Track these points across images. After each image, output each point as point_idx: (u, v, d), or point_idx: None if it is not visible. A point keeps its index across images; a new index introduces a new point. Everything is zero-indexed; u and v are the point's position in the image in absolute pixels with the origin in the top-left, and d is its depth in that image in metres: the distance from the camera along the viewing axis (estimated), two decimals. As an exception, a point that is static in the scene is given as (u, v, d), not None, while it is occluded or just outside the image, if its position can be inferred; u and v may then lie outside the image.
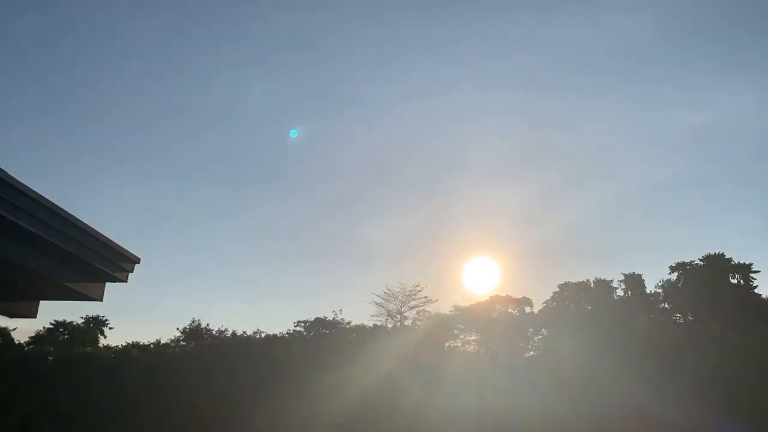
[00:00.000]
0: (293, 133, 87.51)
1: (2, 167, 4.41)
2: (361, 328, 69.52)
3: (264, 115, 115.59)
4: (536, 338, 75.59)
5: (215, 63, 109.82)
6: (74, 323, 63.24)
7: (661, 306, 74.99)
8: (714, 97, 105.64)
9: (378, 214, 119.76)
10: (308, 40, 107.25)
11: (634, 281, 77.97)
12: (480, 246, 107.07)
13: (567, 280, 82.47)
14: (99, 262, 5.58)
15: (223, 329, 68.74)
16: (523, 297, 78.80)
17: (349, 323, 74.32)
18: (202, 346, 53.08)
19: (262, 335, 59.97)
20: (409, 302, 76.41)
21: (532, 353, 70.76)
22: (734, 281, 71.50)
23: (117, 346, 57.05)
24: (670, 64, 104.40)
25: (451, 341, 76.50)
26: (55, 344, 59.87)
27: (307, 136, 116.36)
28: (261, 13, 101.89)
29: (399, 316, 76.55)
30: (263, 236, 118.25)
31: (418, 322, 77.77)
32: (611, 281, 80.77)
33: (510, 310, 78.95)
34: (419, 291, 75.67)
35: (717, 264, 71.41)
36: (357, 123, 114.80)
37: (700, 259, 73.07)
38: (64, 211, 4.94)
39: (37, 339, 60.79)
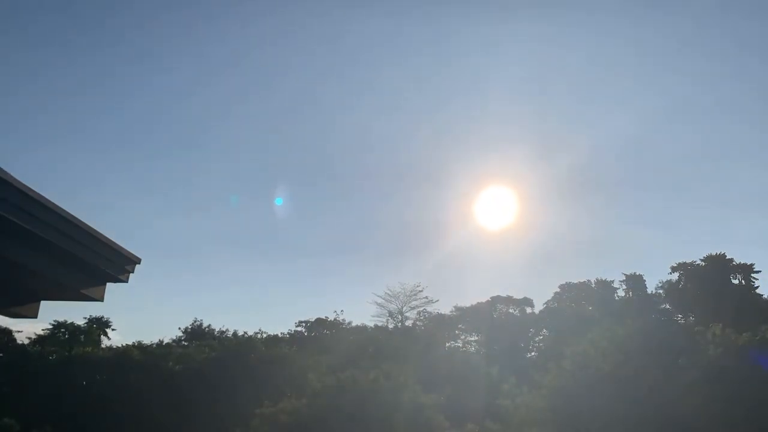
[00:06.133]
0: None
1: (3, 167, 4.41)
2: (362, 329, 69.53)
3: (262, 113, 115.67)
4: (537, 338, 75.58)
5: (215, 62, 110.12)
6: (75, 324, 63.24)
7: (662, 306, 74.89)
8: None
9: (377, 214, 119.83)
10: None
11: (635, 281, 77.86)
12: (480, 246, 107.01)
13: (568, 281, 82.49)
14: (100, 263, 5.57)
15: (224, 329, 68.89)
16: (524, 297, 78.80)
17: (350, 323, 74.41)
18: (203, 347, 53.00)
19: (264, 335, 59.96)
20: (410, 302, 76.45)
21: (533, 353, 70.74)
22: (735, 282, 71.36)
23: (118, 347, 57.01)
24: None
25: (452, 341, 76.52)
26: (56, 345, 59.84)
27: (307, 135, 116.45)
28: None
29: (400, 317, 76.58)
30: (263, 237, 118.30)
31: (419, 323, 77.78)
32: (612, 281, 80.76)
33: (511, 311, 78.93)
34: (420, 291, 75.71)
35: (718, 264, 71.22)
36: (358, 120, 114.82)
37: (701, 260, 72.89)
38: (65, 211, 4.93)
39: (39, 339, 60.76)
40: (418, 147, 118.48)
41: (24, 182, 4.50)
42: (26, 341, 60.27)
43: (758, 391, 20.97)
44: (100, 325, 66.10)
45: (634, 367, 22.97)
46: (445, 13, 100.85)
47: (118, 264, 5.76)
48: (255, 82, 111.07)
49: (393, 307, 76.10)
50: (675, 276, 74.53)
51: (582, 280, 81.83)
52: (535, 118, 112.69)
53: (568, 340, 28.53)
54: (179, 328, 71.08)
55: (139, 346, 55.65)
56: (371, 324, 72.98)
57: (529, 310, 78.10)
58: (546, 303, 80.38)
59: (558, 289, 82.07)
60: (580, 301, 79.43)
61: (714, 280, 68.42)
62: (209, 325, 71.17)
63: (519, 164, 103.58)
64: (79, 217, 5.11)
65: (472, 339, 78.40)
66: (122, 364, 49.88)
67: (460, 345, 77.20)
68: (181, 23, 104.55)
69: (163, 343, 60.53)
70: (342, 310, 77.51)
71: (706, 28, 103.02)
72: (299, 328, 76.35)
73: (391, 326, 74.34)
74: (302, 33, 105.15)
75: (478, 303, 78.16)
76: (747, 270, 70.96)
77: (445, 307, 79.72)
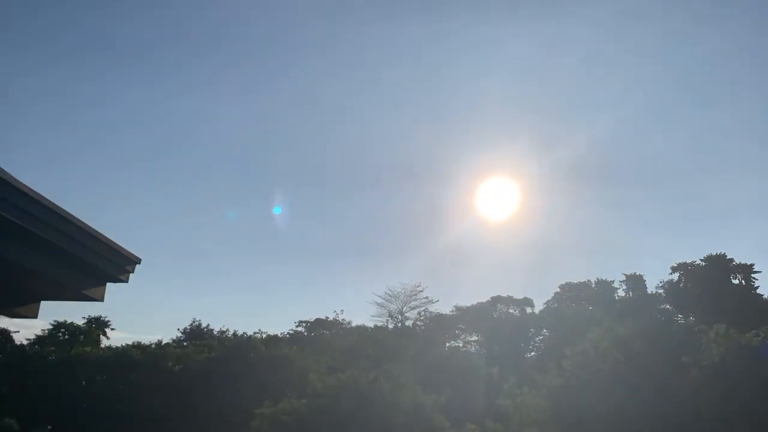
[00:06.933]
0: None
1: (2, 167, 4.39)
2: (362, 329, 69.49)
3: (257, 113, 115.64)
4: (537, 338, 75.53)
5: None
6: (75, 324, 63.15)
7: (662, 306, 74.87)
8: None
9: (375, 214, 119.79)
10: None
11: (635, 281, 77.89)
12: (481, 246, 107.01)
13: (568, 281, 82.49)
14: (100, 263, 5.55)
15: (224, 329, 68.81)
16: (524, 297, 78.77)
17: (350, 323, 74.38)
18: (203, 347, 52.95)
19: (264, 335, 59.88)
20: (410, 302, 76.41)
21: (533, 353, 70.70)
22: (736, 282, 71.33)
23: (118, 347, 56.94)
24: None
25: (452, 341, 76.49)
26: (56, 345, 59.79)
27: (306, 135, 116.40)
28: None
29: (400, 317, 76.54)
30: (263, 236, 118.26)
31: (419, 323, 77.77)
32: (612, 281, 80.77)
33: (511, 311, 78.88)
34: (420, 291, 75.65)
35: (718, 264, 71.19)
36: (356, 121, 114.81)
37: (701, 260, 72.84)
38: (65, 211, 4.91)
39: (38, 340, 60.69)
40: (417, 148, 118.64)
41: (23, 182, 4.48)
42: (24, 342, 60.29)
43: (757, 389, 21.00)
44: (99, 325, 66.00)
45: (634, 366, 22.98)
46: (444, 14, 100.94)
47: (118, 264, 5.74)
48: (255, 82, 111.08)
49: (393, 307, 76.12)
50: (675, 276, 74.53)
51: (582, 280, 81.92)
52: (535, 119, 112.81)
53: (568, 340, 28.49)
54: (178, 329, 71.04)
55: (139, 346, 55.59)
56: (371, 324, 73.00)
57: (529, 310, 78.07)
58: (546, 303, 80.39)
59: (558, 289, 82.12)
60: (580, 301, 79.42)
61: (714, 280, 68.39)
62: (208, 325, 71.15)
63: (519, 166, 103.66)
64: (79, 217, 5.10)
65: (472, 339, 78.40)
66: (122, 364, 49.82)
67: (460, 345, 77.20)
68: (180, 23, 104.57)
69: (163, 344, 60.42)
70: (342, 310, 77.56)
71: (707, 28, 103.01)
72: (299, 328, 76.40)
73: (391, 326, 74.32)
74: (302, 34, 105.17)
75: (478, 303, 78.17)
76: (747, 270, 70.93)
77: (445, 307, 79.77)
